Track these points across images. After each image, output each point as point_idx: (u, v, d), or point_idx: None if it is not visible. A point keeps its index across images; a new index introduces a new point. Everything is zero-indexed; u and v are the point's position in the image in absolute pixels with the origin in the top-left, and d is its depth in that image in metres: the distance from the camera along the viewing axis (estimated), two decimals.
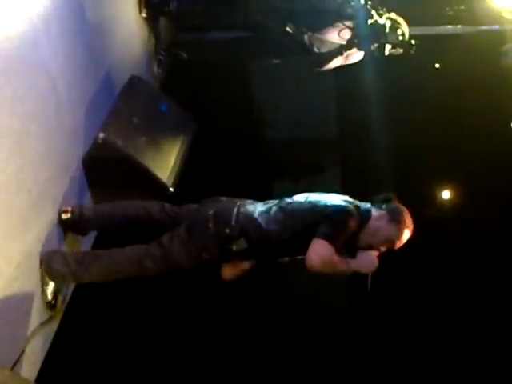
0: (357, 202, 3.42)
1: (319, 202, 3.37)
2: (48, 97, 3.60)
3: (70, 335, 3.87)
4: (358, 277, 3.26)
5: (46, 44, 3.61)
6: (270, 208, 3.42)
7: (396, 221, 3.32)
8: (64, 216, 3.69)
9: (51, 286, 3.45)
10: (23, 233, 3.25)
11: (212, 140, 5.95)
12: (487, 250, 6.49)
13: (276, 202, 3.49)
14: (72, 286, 3.81)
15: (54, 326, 3.63)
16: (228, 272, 3.49)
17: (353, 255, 3.26)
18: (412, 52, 5.20)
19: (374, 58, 5.36)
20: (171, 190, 4.35)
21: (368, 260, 3.24)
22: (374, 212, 3.37)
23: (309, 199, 3.42)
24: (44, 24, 3.58)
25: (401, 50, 5.29)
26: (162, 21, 5.88)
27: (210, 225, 3.33)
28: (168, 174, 4.40)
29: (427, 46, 6.62)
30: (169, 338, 5.28)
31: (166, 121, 4.67)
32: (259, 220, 3.34)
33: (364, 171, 7.05)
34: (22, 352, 3.21)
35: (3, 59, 3.10)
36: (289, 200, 3.47)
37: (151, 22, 5.68)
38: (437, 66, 7.10)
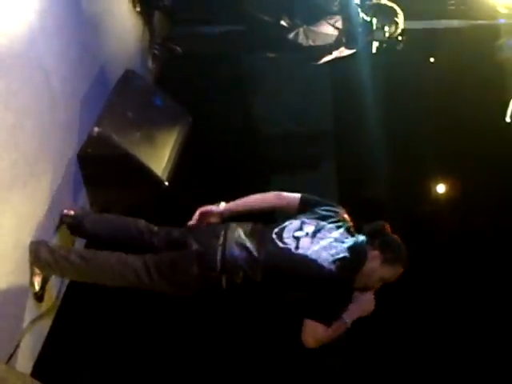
0: (353, 244, 3.27)
1: (310, 263, 3.17)
2: (42, 91, 3.60)
3: (65, 329, 3.89)
4: None
5: (41, 38, 3.61)
6: (259, 252, 3.21)
7: (390, 261, 3.22)
8: (66, 219, 3.71)
9: (39, 276, 3.43)
10: (17, 227, 3.26)
11: (207, 134, 5.95)
12: (481, 246, 6.52)
13: (264, 236, 3.29)
14: (67, 280, 3.82)
15: (49, 319, 3.65)
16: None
17: (349, 302, 3.20)
18: (399, 48, 5.19)
19: (368, 53, 5.35)
20: (166, 183, 4.35)
21: (365, 304, 3.20)
22: (368, 251, 3.26)
23: (300, 252, 3.20)
24: (39, 19, 3.58)
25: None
26: (157, 15, 5.87)
27: (194, 267, 3.21)
28: (163, 167, 4.39)
29: (422, 40, 6.63)
30: (163, 332, 5.29)
31: (160, 115, 4.66)
32: (245, 267, 3.18)
33: (359, 166, 7.06)
34: (17, 346, 3.23)
35: None
36: (279, 244, 3.23)
37: (145, 16, 5.67)
38: (432, 60, 7.11)
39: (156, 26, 5.86)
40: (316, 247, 3.21)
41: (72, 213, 3.71)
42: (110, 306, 4.69)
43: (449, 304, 6.32)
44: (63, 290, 3.78)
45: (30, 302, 3.41)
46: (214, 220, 3.51)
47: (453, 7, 6.72)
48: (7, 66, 3.18)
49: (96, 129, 4.04)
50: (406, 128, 6.83)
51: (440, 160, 7.05)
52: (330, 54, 5.41)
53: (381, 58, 5.47)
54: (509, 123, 5.68)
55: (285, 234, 3.27)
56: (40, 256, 3.38)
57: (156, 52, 5.89)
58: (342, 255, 3.21)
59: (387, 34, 5.17)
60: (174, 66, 6.03)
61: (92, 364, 4.54)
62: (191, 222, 3.49)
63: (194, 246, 3.28)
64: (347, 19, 5.22)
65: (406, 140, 6.87)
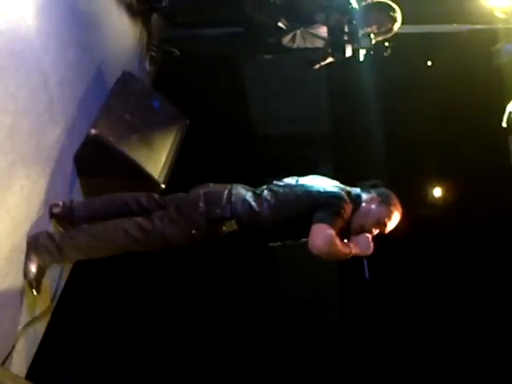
0: (347, 188, 3.51)
1: (312, 187, 3.42)
2: (40, 93, 3.60)
3: (60, 331, 3.88)
4: (346, 272, 3.29)
5: (38, 40, 3.60)
6: (262, 191, 3.46)
7: (386, 202, 3.44)
8: (55, 210, 3.67)
9: (35, 263, 3.37)
10: (14, 228, 3.25)
11: (203, 136, 5.96)
12: (477, 244, 6.56)
13: (267, 186, 3.53)
14: (62, 282, 3.81)
15: (44, 322, 3.63)
16: None
17: (347, 240, 3.34)
18: (386, 54, 5.19)
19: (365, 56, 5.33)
20: (162, 186, 4.35)
21: (364, 242, 3.32)
22: (364, 196, 3.49)
23: (300, 183, 3.50)
24: (36, 20, 3.58)
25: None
26: (155, 17, 5.86)
27: (201, 204, 3.36)
28: (159, 170, 4.40)
29: (420, 43, 6.64)
30: (157, 334, 5.30)
31: (157, 117, 4.66)
32: (251, 202, 3.37)
33: (356, 166, 7.08)
34: (13, 348, 3.21)
35: None
36: (280, 183, 3.53)
37: (143, 18, 5.66)
38: (429, 63, 7.12)
39: (154, 28, 5.86)
40: (313, 181, 3.50)
41: (60, 203, 3.67)
42: (105, 308, 4.69)
43: (444, 300, 6.38)
44: (58, 292, 3.76)
45: (26, 304, 3.39)
46: None
47: (450, 12, 6.72)
48: (4, 68, 3.18)
49: (93, 131, 4.03)
50: (403, 130, 6.86)
51: (436, 163, 7.07)
52: (318, 63, 5.42)
53: (378, 60, 5.47)
54: (505, 128, 5.69)
55: (285, 179, 3.58)
56: (39, 241, 3.37)
57: (153, 54, 5.88)
58: (339, 186, 3.49)
59: (374, 41, 5.15)
60: (172, 68, 6.03)
61: (86, 366, 4.53)
62: None
63: (202, 191, 3.48)
64: (331, 28, 5.21)
65: (403, 142, 6.90)
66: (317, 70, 5.55)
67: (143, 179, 4.25)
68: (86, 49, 4.41)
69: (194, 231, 3.33)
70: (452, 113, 6.68)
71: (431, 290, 6.56)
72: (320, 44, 5.37)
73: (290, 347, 6.48)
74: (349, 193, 3.45)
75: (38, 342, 3.58)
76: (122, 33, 5.34)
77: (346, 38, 5.14)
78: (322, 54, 5.41)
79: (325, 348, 6.68)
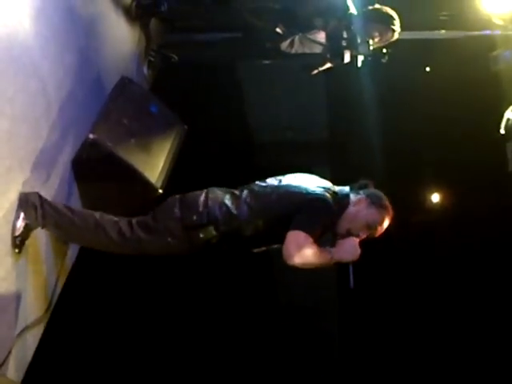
0: (334, 188, 3.35)
1: (294, 188, 3.26)
2: (38, 97, 3.59)
3: (57, 337, 3.87)
4: (343, 275, 3.21)
5: (36, 45, 3.60)
6: (242, 192, 3.31)
7: (376, 204, 3.25)
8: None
9: (23, 221, 3.29)
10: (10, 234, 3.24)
11: (201, 142, 5.95)
12: (474, 251, 6.55)
13: (247, 186, 3.39)
14: (59, 289, 3.80)
15: (40, 327, 3.62)
16: None
17: (332, 244, 3.16)
18: (384, 61, 5.18)
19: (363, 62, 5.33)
20: (160, 191, 4.34)
21: (349, 247, 3.11)
22: (353, 197, 3.30)
23: (283, 183, 3.34)
24: (34, 25, 3.57)
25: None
26: (153, 22, 5.86)
27: (176, 209, 3.24)
28: (157, 175, 4.39)
29: (419, 50, 6.65)
30: (155, 340, 5.29)
31: (155, 122, 4.66)
32: (229, 205, 3.21)
33: (353, 174, 7.07)
34: (9, 353, 3.20)
35: None
36: (262, 183, 3.38)
37: (142, 23, 5.66)
38: (427, 69, 7.13)
39: (152, 33, 5.85)
40: (298, 180, 3.34)
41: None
42: (102, 314, 4.68)
43: (441, 306, 6.37)
44: (55, 298, 3.75)
45: (23, 309, 3.38)
46: None
47: (450, 18, 6.73)
48: (2, 72, 3.18)
49: (91, 135, 4.03)
50: (401, 137, 6.85)
51: (434, 170, 7.07)
52: (317, 69, 5.42)
53: (376, 67, 5.47)
54: (503, 135, 5.69)
55: (267, 179, 3.40)
56: (29, 199, 3.29)
57: (152, 59, 5.88)
58: (325, 186, 3.31)
59: (372, 48, 5.15)
60: (170, 73, 6.02)
61: (83, 373, 4.52)
62: None
63: (178, 196, 3.36)
64: (329, 34, 5.22)
65: (402, 149, 6.89)
66: (315, 75, 5.55)
67: (141, 184, 4.24)
68: (85, 53, 4.41)
69: (169, 239, 3.22)
70: (450, 119, 6.68)
71: (430, 297, 6.54)
72: (318, 49, 5.37)
73: (288, 354, 6.46)
74: (335, 193, 3.27)
75: (35, 348, 3.57)
76: (121, 37, 5.34)
77: (344, 43, 5.14)
78: (320, 59, 5.42)
79: (322, 355, 6.67)
